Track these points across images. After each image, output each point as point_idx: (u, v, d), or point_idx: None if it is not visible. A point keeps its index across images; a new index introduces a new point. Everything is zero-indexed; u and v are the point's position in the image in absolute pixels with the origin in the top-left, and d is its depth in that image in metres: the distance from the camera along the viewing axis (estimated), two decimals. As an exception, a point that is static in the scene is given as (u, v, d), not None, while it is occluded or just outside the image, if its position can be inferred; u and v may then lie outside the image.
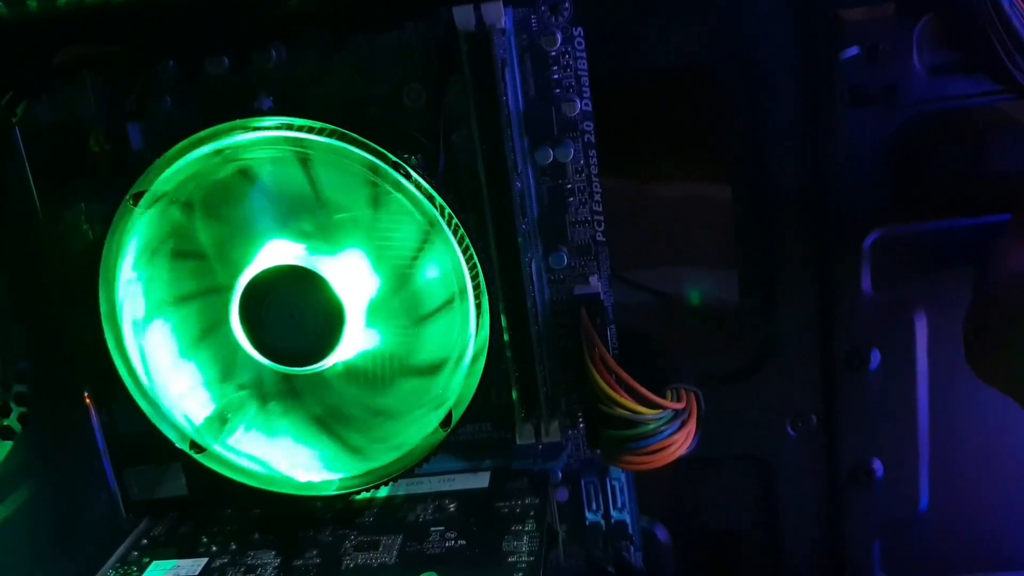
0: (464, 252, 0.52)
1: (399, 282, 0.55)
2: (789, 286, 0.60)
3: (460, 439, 0.61)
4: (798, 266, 0.60)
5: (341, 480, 0.58)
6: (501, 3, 0.52)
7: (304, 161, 0.53)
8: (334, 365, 0.55)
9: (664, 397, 0.55)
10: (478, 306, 0.53)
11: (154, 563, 0.59)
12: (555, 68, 0.55)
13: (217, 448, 0.58)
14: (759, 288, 0.61)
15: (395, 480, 0.57)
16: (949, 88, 0.55)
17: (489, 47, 0.52)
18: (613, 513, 0.63)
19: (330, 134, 0.51)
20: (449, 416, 0.55)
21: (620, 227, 0.58)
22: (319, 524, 0.60)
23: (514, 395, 0.59)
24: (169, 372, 0.57)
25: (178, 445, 0.57)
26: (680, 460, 0.56)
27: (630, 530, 0.64)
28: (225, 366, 0.58)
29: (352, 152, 0.51)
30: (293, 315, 0.53)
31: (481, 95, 0.53)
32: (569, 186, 0.57)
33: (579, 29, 0.54)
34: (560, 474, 0.62)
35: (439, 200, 0.52)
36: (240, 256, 0.55)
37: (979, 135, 0.56)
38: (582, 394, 0.58)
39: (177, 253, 0.56)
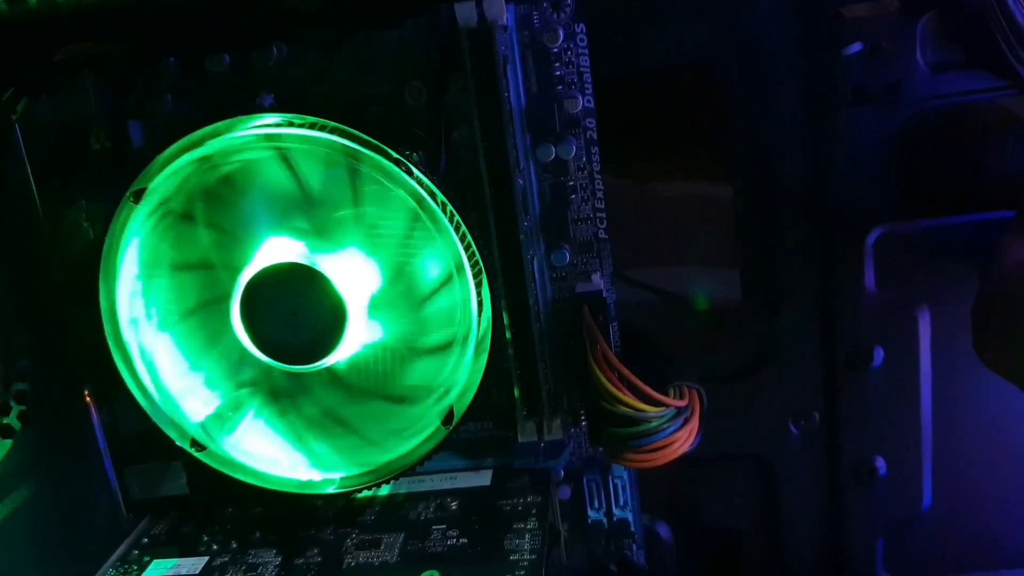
0: (456, 229, 0.52)
1: (396, 271, 0.55)
2: (791, 284, 0.60)
3: (462, 437, 0.61)
4: (800, 263, 0.59)
5: (342, 479, 0.58)
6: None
7: (284, 158, 0.53)
8: (337, 362, 0.55)
9: (666, 395, 0.55)
10: (478, 284, 0.53)
11: (155, 562, 0.59)
12: (557, 65, 0.55)
13: (219, 446, 0.57)
14: (761, 286, 0.61)
15: (396, 478, 0.57)
16: (952, 85, 0.55)
17: (491, 44, 0.52)
18: (615, 511, 0.63)
19: (300, 125, 0.51)
20: (451, 413, 0.55)
21: (622, 224, 0.58)
22: (320, 523, 0.60)
23: (516, 393, 0.59)
24: (170, 371, 0.57)
25: (179, 444, 0.57)
26: (682, 458, 0.56)
27: (632, 528, 0.64)
28: (227, 364, 0.57)
29: (323, 139, 0.51)
30: (295, 313, 0.53)
31: (483, 92, 0.53)
32: (571, 183, 0.57)
33: (581, 25, 0.54)
34: (562, 472, 0.62)
35: (418, 174, 0.51)
36: (239, 257, 0.55)
37: (982, 132, 0.56)
38: (584, 392, 0.58)
39: (178, 265, 0.56)
